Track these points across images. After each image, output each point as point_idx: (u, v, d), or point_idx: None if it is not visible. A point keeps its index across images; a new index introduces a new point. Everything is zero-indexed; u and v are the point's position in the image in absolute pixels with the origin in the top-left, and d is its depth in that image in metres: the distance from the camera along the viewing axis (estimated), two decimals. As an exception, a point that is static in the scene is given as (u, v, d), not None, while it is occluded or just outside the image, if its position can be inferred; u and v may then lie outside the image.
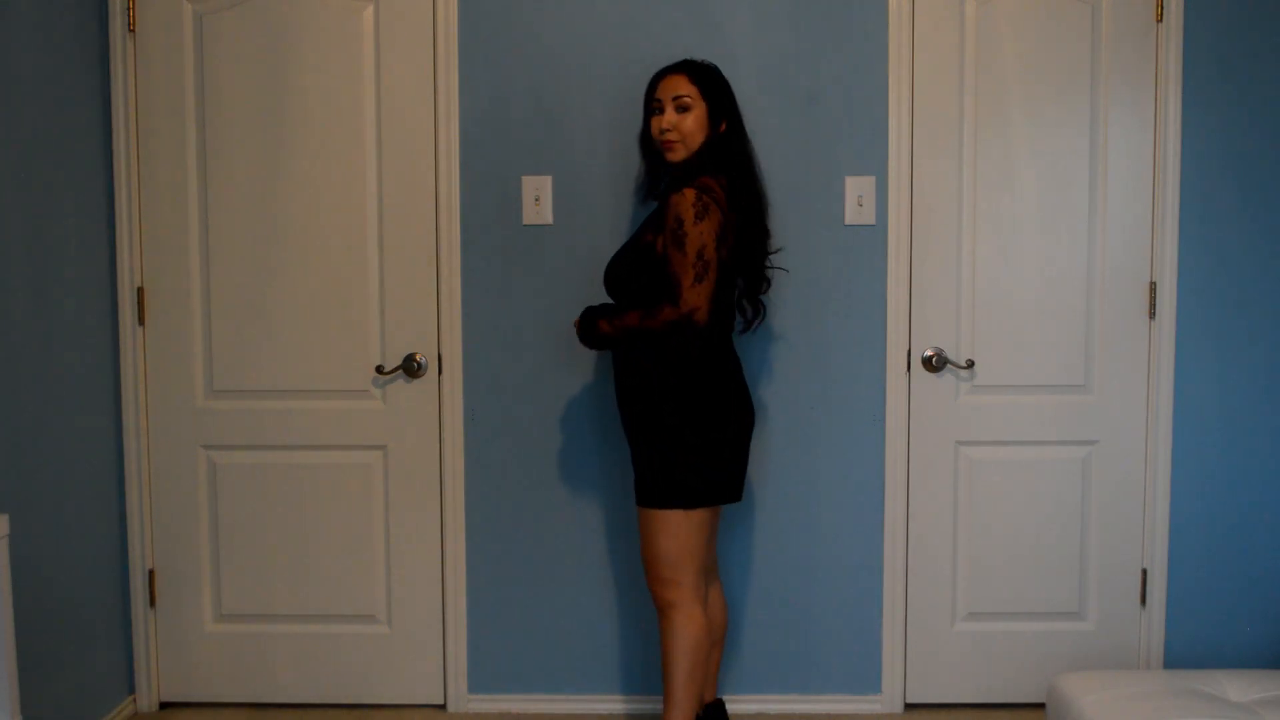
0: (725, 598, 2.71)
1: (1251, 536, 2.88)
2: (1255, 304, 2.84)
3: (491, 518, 2.92)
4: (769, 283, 2.55)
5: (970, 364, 2.86)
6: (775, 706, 2.94)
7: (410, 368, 2.88)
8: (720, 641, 2.64)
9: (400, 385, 2.90)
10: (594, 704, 2.95)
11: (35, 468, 2.51)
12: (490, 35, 2.83)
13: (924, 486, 2.89)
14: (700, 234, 2.27)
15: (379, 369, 2.88)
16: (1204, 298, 2.84)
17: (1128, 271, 2.84)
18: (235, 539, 2.94)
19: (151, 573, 2.95)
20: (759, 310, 2.54)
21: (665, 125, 2.41)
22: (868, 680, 2.93)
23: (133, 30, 2.84)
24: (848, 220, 2.83)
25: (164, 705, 3.00)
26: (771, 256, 2.57)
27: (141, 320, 2.90)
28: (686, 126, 2.40)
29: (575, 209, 2.85)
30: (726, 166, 2.42)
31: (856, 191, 2.83)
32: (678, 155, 2.42)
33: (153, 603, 2.96)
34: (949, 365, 2.87)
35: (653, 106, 2.46)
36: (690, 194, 2.29)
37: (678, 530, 2.38)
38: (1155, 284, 2.84)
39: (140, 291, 2.90)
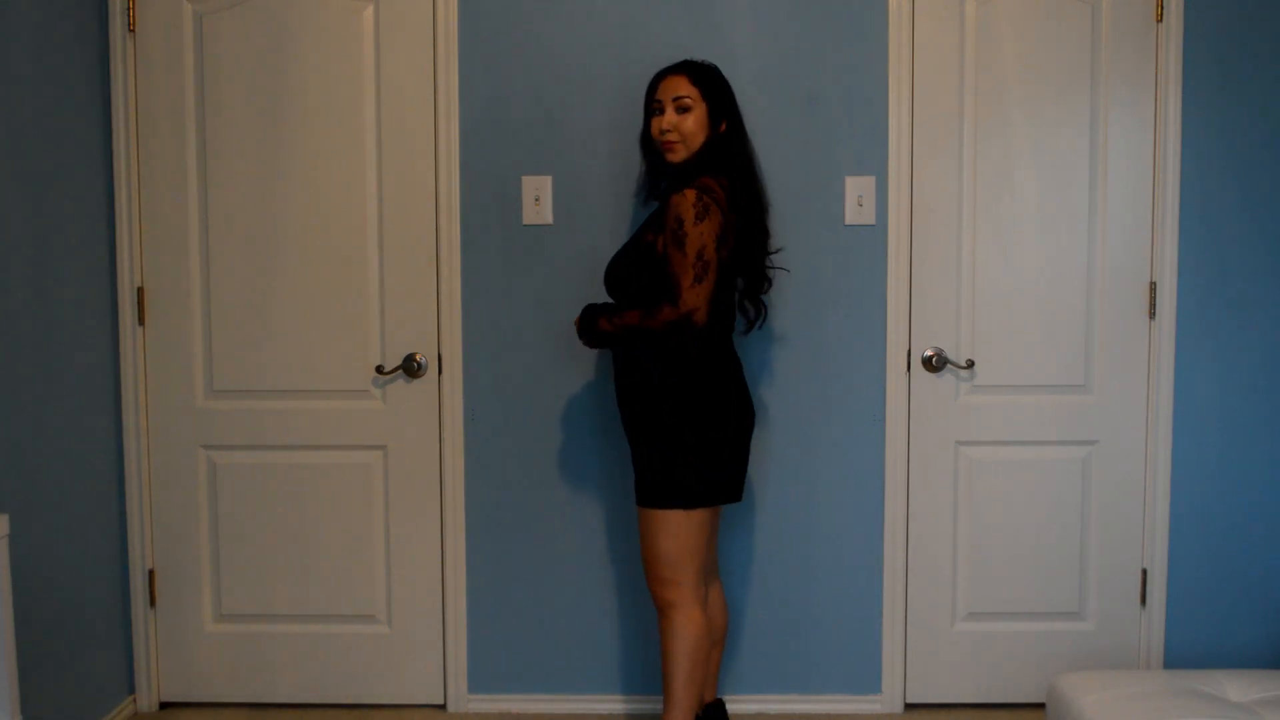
0: (725, 597, 2.71)
1: (1251, 536, 2.88)
2: (1255, 304, 2.84)
3: (491, 518, 2.92)
4: (770, 282, 2.55)
5: (970, 364, 2.86)
6: (775, 706, 2.94)
7: (410, 368, 2.88)
8: (720, 642, 2.64)
9: (400, 385, 2.90)
10: (594, 704, 2.95)
11: (35, 468, 2.51)
12: (490, 35, 2.83)
13: (924, 486, 2.89)
14: (700, 234, 2.27)
15: (379, 369, 2.88)
16: (1204, 298, 2.84)
17: (1128, 271, 2.85)
18: (235, 539, 2.95)
19: (151, 573, 2.95)
20: (761, 310, 2.54)
21: (666, 126, 2.41)
22: (868, 680, 2.93)
23: (133, 30, 2.84)
24: (848, 220, 2.84)
25: (164, 705, 3.00)
26: (772, 256, 2.57)
27: (141, 320, 2.90)
28: (687, 127, 2.40)
29: (575, 209, 2.85)
30: (727, 167, 2.42)
31: (856, 191, 2.83)
32: (678, 156, 2.42)
33: (153, 603, 2.96)
34: (949, 365, 2.87)
35: (653, 107, 2.46)
36: (691, 194, 2.29)
37: (678, 530, 2.38)
38: (1155, 284, 2.84)
39: (140, 291, 2.90)
